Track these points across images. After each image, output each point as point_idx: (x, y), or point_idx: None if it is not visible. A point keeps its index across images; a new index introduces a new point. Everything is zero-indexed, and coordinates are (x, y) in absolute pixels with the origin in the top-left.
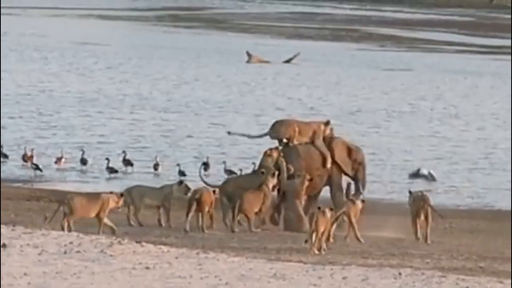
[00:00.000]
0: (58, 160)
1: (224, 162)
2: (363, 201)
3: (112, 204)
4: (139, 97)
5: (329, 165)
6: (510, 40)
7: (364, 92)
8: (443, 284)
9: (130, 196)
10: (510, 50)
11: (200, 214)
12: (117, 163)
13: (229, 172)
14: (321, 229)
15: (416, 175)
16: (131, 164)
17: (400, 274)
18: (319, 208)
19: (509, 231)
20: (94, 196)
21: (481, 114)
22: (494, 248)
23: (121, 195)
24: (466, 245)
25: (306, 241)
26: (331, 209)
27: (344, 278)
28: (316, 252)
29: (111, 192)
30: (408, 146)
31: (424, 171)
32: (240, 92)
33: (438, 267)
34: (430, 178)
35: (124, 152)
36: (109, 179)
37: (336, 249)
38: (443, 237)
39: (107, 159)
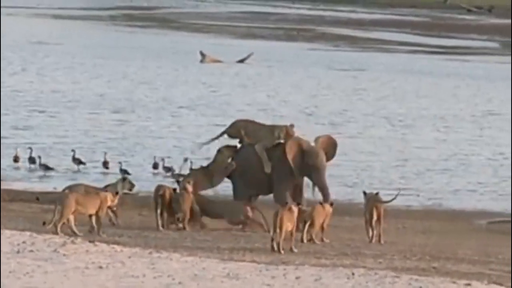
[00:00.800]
0: (16, 159)
1: (162, 159)
2: (331, 204)
3: (109, 202)
4: (97, 97)
5: (267, 170)
6: (464, 41)
7: (320, 93)
8: (396, 284)
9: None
10: (464, 51)
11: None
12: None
13: (167, 169)
14: (288, 226)
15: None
16: (82, 163)
17: (353, 274)
18: (286, 203)
19: (461, 231)
20: (94, 194)
21: (442, 115)
22: (447, 249)
23: (116, 193)
24: (420, 245)
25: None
26: (298, 204)
27: (297, 278)
28: (282, 251)
29: (105, 190)
30: (366, 147)
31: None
32: (197, 91)
33: (391, 267)
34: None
35: (73, 150)
36: (47, 176)
37: (289, 249)
38: (397, 237)
39: (73, 150)
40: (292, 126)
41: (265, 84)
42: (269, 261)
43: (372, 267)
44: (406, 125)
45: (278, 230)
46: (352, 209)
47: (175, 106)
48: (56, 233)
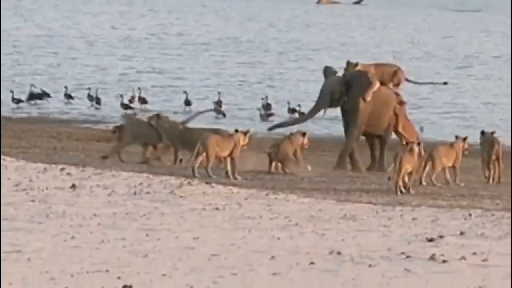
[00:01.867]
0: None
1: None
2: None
3: (242, 142)
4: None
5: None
6: None
7: (450, 34)
8: None
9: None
10: None
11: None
12: None
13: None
14: (408, 168)
15: None
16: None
17: (470, 215)
18: (407, 143)
19: None
20: (228, 136)
21: None
22: None
23: (246, 132)
24: None
25: (389, 179)
26: (418, 144)
27: (414, 219)
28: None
29: (236, 131)
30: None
31: None
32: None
33: (508, 208)
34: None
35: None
36: None
37: (406, 190)
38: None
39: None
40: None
41: (387, 25)
42: (386, 202)
43: (489, 208)
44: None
45: (398, 171)
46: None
47: (306, 49)
48: (194, 176)
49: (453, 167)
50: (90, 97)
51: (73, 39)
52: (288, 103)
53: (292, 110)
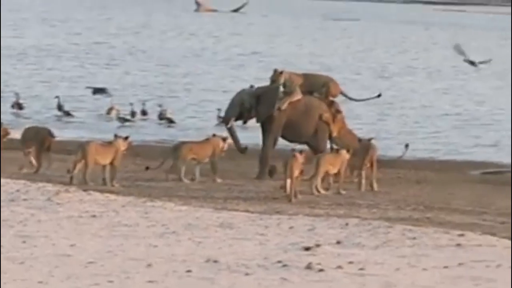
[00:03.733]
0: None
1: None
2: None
3: (122, 148)
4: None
5: None
6: None
7: (314, 41)
8: (389, 234)
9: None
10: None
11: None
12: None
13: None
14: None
15: None
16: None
17: (347, 224)
18: (293, 150)
19: (455, 182)
20: (108, 143)
21: (438, 67)
22: (441, 199)
23: (126, 138)
24: (414, 196)
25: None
26: (300, 152)
27: (290, 227)
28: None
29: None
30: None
31: None
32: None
33: (385, 217)
34: None
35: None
36: None
37: (283, 199)
38: (390, 187)
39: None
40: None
41: (259, 33)
42: (263, 210)
43: (366, 217)
44: (395, 73)
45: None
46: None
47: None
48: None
49: (338, 174)
50: None
51: None
52: (160, 106)
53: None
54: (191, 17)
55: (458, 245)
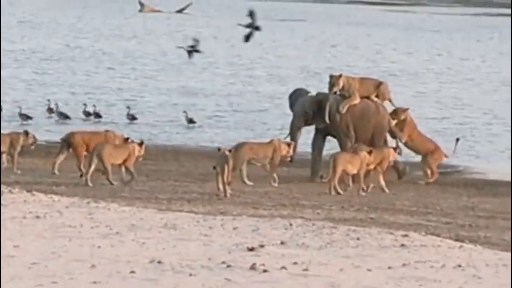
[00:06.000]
0: None
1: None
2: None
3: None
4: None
5: None
6: None
7: (262, 43)
8: (333, 235)
9: None
10: (398, 2)
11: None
12: None
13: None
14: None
15: None
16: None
17: (291, 224)
18: (219, 149)
19: (399, 182)
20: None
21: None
22: (385, 200)
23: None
24: (358, 196)
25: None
26: (229, 151)
27: (234, 228)
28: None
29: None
30: None
31: None
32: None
33: (329, 218)
34: None
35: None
36: None
37: (227, 199)
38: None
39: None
40: None
41: (203, 34)
42: (207, 211)
43: (310, 218)
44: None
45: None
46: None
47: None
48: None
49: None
50: None
51: None
52: (85, 105)
53: (87, 113)
54: (135, 17)
55: (403, 245)
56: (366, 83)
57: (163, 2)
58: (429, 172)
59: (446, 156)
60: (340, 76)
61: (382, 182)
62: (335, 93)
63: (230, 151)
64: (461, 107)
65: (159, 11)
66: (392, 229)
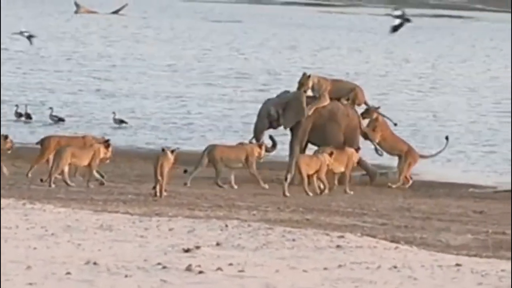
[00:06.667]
0: None
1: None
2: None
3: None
4: None
5: None
6: None
7: (197, 45)
8: (269, 236)
9: None
10: (334, 3)
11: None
12: None
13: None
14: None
15: None
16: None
17: (226, 225)
18: (163, 150)
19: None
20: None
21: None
22: (321, 201)
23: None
24: (293, 197)
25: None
26: (172, 151)
27: (170, 229)
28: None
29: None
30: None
31: None
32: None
33: (265, 219)
34: None
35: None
36: None
37: (163, 200)
38: (270, 190)
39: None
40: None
41: (139, 35)
42: (143, 212)
43: (246, 219)
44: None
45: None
46: None
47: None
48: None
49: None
50: None
51: None
52: (16, 106)
53: (19, 114)
54: (70, 19)
55: (338, 246)
56: (339, 85)
57: (98, 3)
58: (400, 177)
59: (423, 156)
60: (309, 76)
61: (325, 185)
62: (305, 92)
63: (173, 151)
64: (400, 108)
65: (95, 12)
66: (328, 230)
